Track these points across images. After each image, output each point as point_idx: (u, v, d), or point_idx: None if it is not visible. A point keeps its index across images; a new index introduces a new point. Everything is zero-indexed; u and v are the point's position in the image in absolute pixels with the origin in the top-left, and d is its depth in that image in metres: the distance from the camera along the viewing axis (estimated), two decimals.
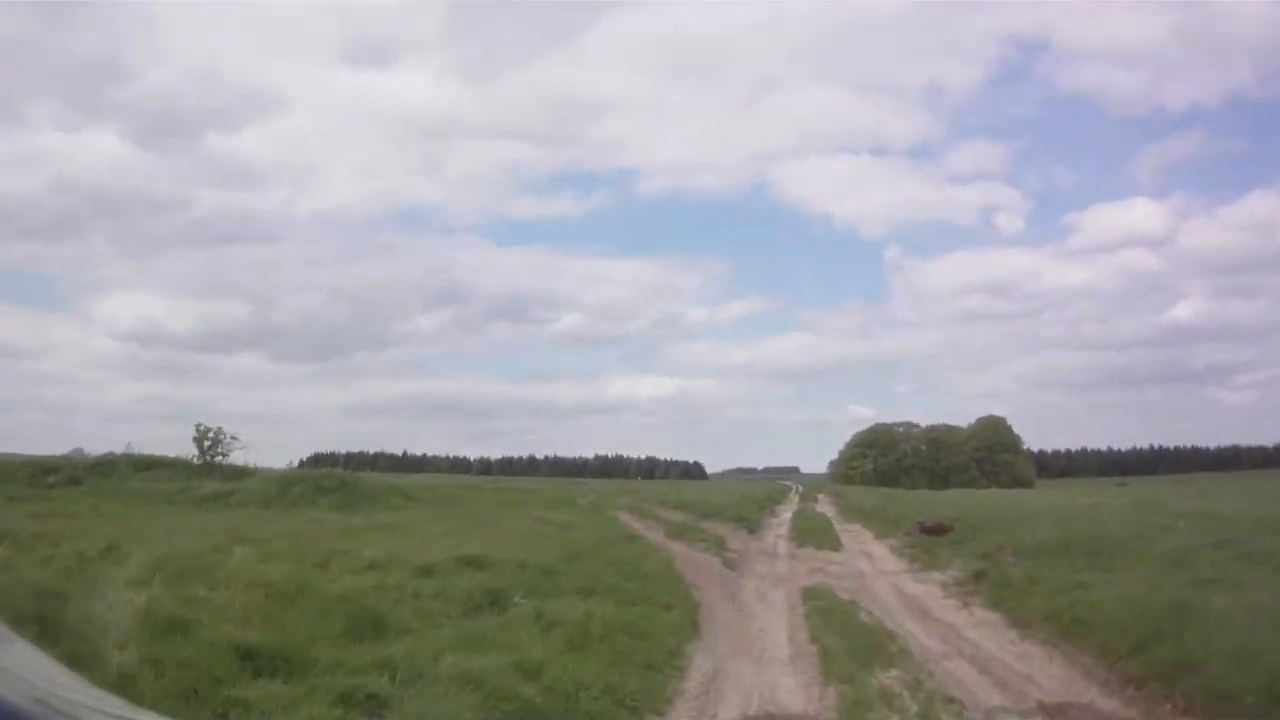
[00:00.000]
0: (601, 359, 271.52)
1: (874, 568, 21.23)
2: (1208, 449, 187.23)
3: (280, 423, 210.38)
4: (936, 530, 24.88)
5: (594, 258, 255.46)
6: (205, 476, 31.47)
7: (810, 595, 16.40)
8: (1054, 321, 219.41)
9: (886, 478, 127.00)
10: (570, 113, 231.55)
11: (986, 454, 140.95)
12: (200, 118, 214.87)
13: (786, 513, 44.73)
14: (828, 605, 15.16)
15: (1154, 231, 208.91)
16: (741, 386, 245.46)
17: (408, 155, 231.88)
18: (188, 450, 34.65)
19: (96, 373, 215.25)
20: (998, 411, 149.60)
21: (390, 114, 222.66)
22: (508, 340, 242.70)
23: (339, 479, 27.83)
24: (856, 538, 28.91)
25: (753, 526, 32.04)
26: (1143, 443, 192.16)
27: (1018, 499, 45.69)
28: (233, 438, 35.29)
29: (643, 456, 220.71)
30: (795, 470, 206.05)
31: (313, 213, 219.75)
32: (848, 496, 56.08)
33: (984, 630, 13.51)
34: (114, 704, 1.60)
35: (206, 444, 34.17)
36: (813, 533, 28.68)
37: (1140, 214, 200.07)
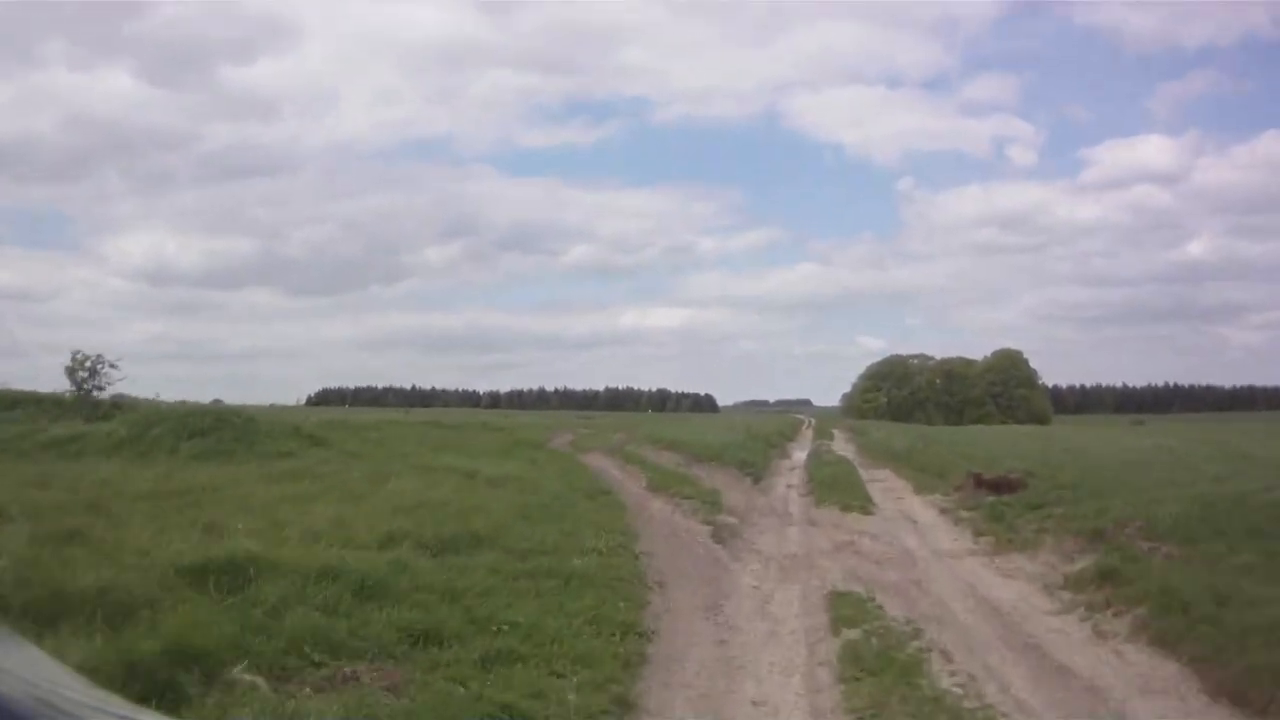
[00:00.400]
0: (613, 290, 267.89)
1: (924, 543, 14.78)
2: (1222, 388, 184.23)
3: (291, 357, 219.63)
4: (1000, 486, 18.44)
5: (606, 188, 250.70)
6: (75, 415, 25.63)
7: (839, 605, 10.12)
8: (1065, 256, 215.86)
9: (900, 411, 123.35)
10: (584, 41, 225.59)
11: (1002, 388, 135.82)
12: (214, 50, 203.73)
13: (799, 453, 38.33)
14: (871, 632, 8.88)
15: (1167, 168, 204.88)
16: (753, 318, 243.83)
17: (421, 85, 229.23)
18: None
19: (107, 312, 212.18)
20: (1008, 345, 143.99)
21: (405, 43, 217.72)
22: (519, 271, 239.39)
23: (214, 417, 21.43)
24: (890, 491, 22.41)
25: (759, 474, 25.81)
26: (1154, 379, 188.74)
27: (1069, 440, 39.15)
28: (111, 366, 28.87)
29: (654, 389, 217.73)
30: (808, 403, 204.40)
31: (325, 144, 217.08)
32: (869, 434, 49.58)
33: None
34: (116, 704, 1.53)
35: (81, 376, 27.92)
36: (834, 485, 22.25)
37: (1154, 150, 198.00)
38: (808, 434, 63.03)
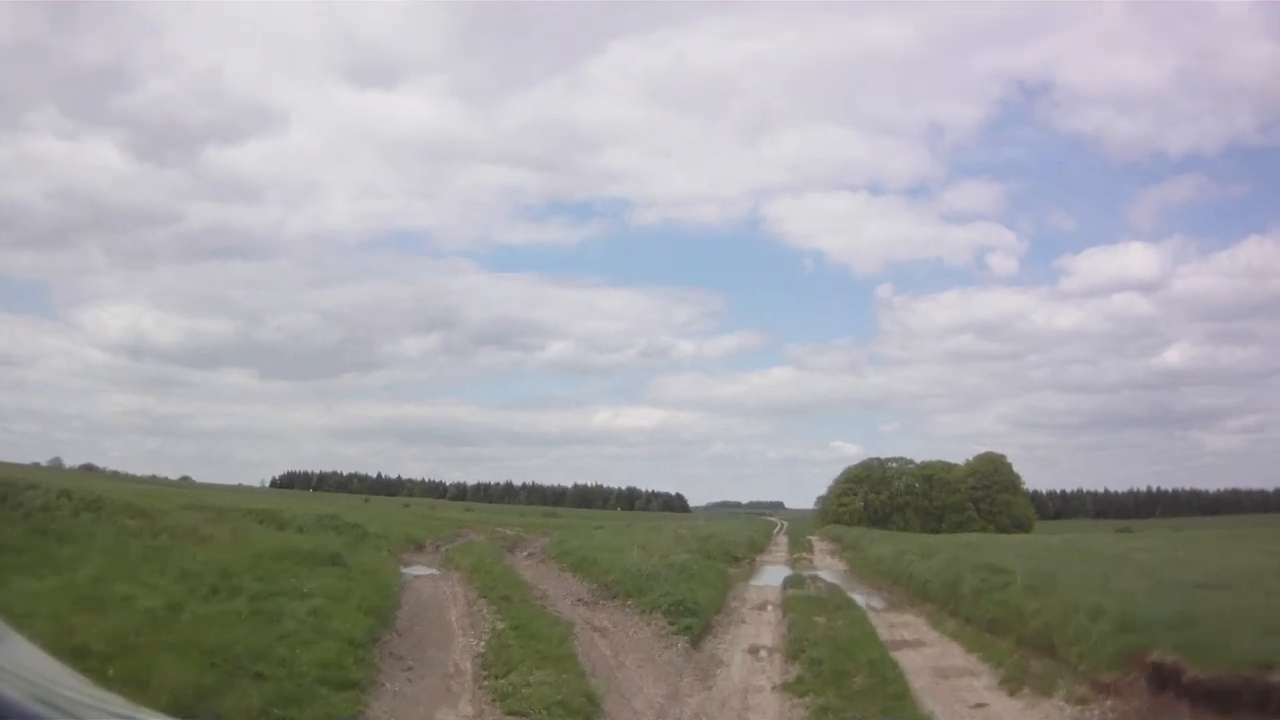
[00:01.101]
0: (588, 389, 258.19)
1: None
2: (1206, 492, 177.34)
3: (263, 439, 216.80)
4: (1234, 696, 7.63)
5: (585, 287, 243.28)
6: None
7: None
8: (1042, 363, 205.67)
9: (878, 516, 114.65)
10: (569, 141, 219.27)
11: (984, 493, 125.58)
12: (199, 130, 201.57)
13: (771, 576, 27.47)
14: None
15: (1148, 275, 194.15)
16: (727, 420, 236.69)
17: (405, 177, 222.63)
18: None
19: (84, 383, 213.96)
20: (983, 451, 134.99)
21: (389, 135, 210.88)
22: (495, 367, 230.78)
23: None
24: (944, 677, 11.42)
25: (702, 625, 14.71)
26: (1132, 485, 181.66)
27: (1145, 559, 28.43)
28: None
29: (623, 487, 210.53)
30: (780, 505, 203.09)
31: (306, 231, 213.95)
32: (861, 547, 38.38)
33: None
34: (115, 703, 1.53)
35: None
36: (837, 656, 11.40)
37: (1135, 258, 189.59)
38: (781, 541, 51.88)
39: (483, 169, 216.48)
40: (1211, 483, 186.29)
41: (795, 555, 36.29)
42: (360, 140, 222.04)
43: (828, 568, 31.68)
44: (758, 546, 38.82)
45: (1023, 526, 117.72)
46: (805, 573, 28.31)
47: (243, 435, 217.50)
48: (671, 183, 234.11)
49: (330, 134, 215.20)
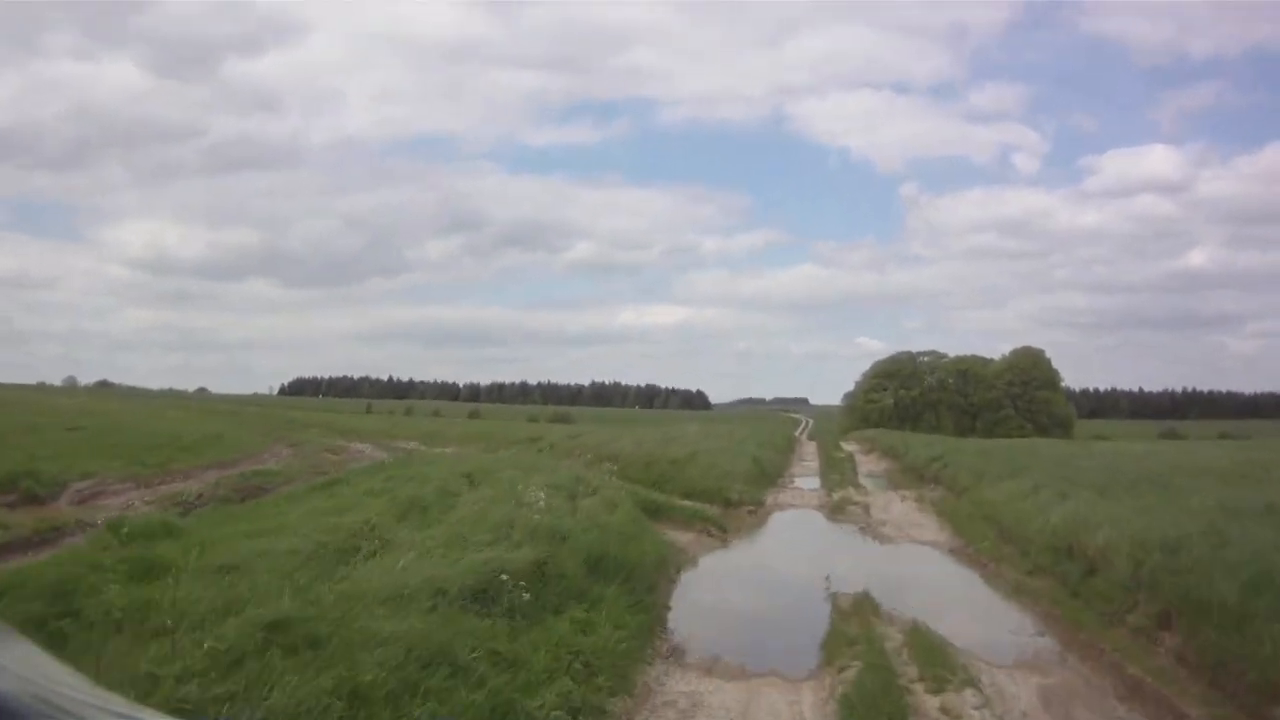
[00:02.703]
0: (612, 288, 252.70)
1: None
2: (1242, 394, 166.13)
3: (287, 349, 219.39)
4: None
5: (609, 186, 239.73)
6: None
7: None
8: (1065, 262, 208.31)
9: (908, 413, 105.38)
10: (593, 42, 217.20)
11: (1022, 390, 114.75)
12: (220, 43, 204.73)
13: (800, 532, 16.58)
14: None
15: (1171, 178, 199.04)
16: (751, 317, 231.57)
17: (427, 82, 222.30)
18: None
19: (106, 300, 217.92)
20: (1005, 349, 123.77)
21: (411, 39, 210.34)
22: (519, 267, 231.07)
23: None
24: None
25: None
26: (1150, 385, 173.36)
27: None
28: None
29: (641, 384, 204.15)
30: (804, 401, 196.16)
31: (328, 139, 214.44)
32: (953, 473, 26.50)
33: None
34: (116, 703, 1.45)
35: None
36: None
37: (1158, 160, 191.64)
38: (808, 454, 40.94)
39: (505, 71, 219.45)
40: (1231, 385, 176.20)
41: (834, 493, 25.20)
42: (381, 46, 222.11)
43: (889, 505, 20.60)
44: (768, 474, 27.89)
45: (1063, 426, 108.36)
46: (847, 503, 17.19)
47: (266, 345, 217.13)
48: (695, 82, 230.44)
49: (351, 41, 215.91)
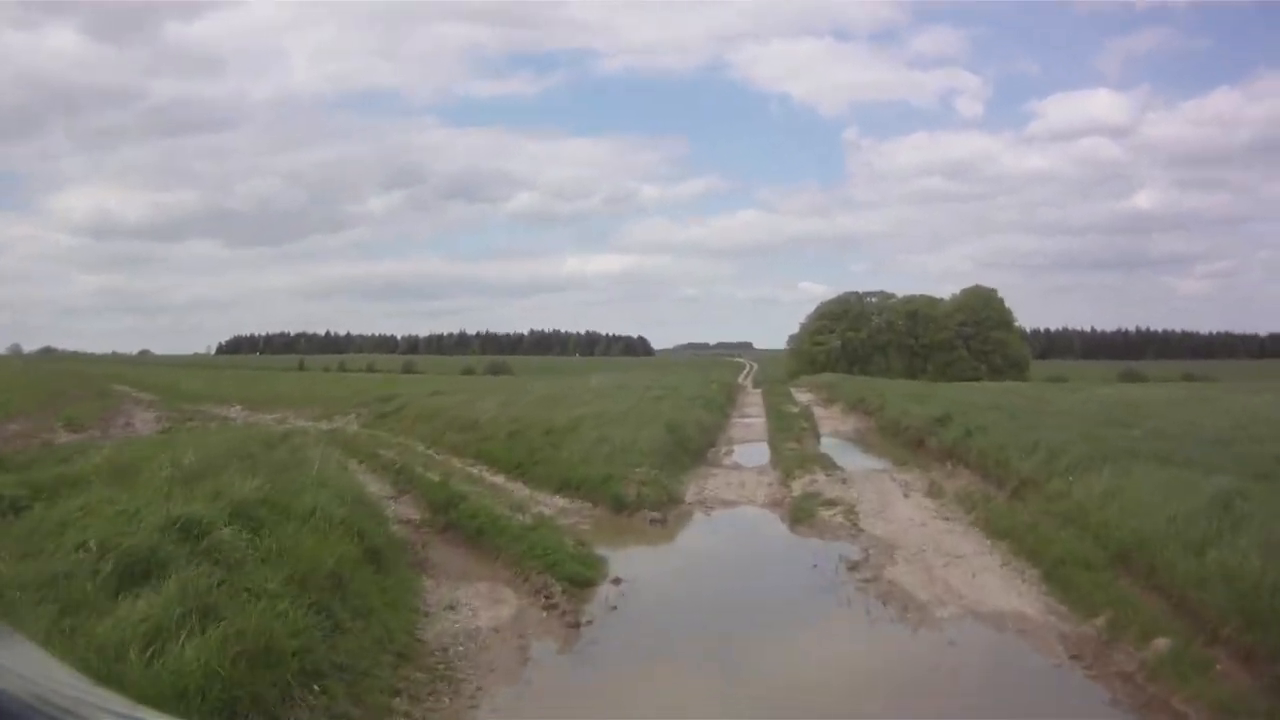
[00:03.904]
0: (556, 238, 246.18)
1: None
2: (1198, 334, 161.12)
3: (232, 307, 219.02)
4: None
5: (550, 137, 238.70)
6: None
7: None
8: (1009, 205, 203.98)
9: (857, 356, 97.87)
10: None
11: (975, 330, 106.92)
12: (158, 6, 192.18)
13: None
14: None
15: (1116, 121, 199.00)
16: (694, 263, 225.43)
17: (365, 37, 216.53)
18: None
19: (52, 267, 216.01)
20: (957, 290, 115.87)
21: None
22: (462, 220, 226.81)
23: None
24: None
25: None
26: (1098, 326, 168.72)
27: None
28: None
29: (582, 332, 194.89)
30: (748, 346, 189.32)
31: (269, 98, 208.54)
32: (983, 447, 16.35)
33: None
34: (115, 702, 1.42)
35: None
36: None
37: (1102, 104, 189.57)
38: (751, 404, 31.38)
39: (444, 24, 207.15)
40: (1182, 325, 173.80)
41: (793, 478, 15.58)
42: (319, 2, 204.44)
43: (949, 593, 10.65)
44: (692, 447, 18.33)
45: (1018, 367, 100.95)
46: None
47: (212, 305, 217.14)
48: (634, 31, 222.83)
49: None
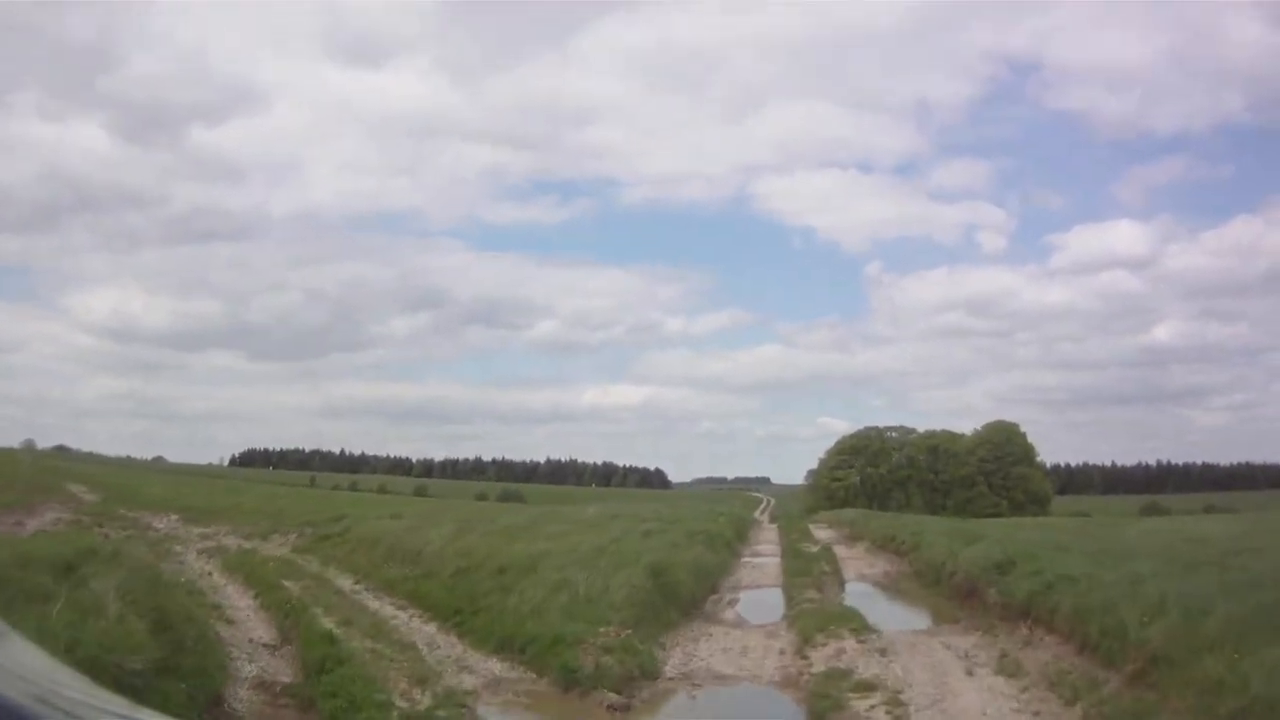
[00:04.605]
0: (576, 367, 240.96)
1: None
2: (1218, 465, 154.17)
3: (250, 421, 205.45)
4: None
5: (572, 265, 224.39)
6: None
7: None
8: (1031, 340, 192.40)
9: (876, 492, 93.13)
10: (555, 118, 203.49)
11: (996, 465, 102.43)
12: (184, 110, 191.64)
13: None
14: None
15: (1137, 253, 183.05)
16: (714, 397, 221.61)
17: (390, 156, 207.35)
18: None
19: (69, 367, 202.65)
20: (966, 429, 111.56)
21: (374, 113, 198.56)
22: (482, 345, 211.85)
23: None
24: None
25: None
26: (1119, 460, 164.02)
27: None
28: None
29: (599, 462, 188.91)
30: (766, 481, 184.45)
31: (292, 211, 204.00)
32: (1074, 603, 11.38)
33: None
34: (115, 703, 1.42)
35: None
36: None
37: (1124, 236, 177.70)
38: (764, 539, 27.09)
39: (468, 146, 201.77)
40: (1200, 457, 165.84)
41: (813, 640, 11.36)
42: (345, 118, 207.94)
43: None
44: (683, 595, 14.13)
45: (1040, 502, 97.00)
46: None
47: (228, 417, 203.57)
48: (658, 160, 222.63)
49: (314, 112, 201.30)
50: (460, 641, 11.52)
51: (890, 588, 18.12)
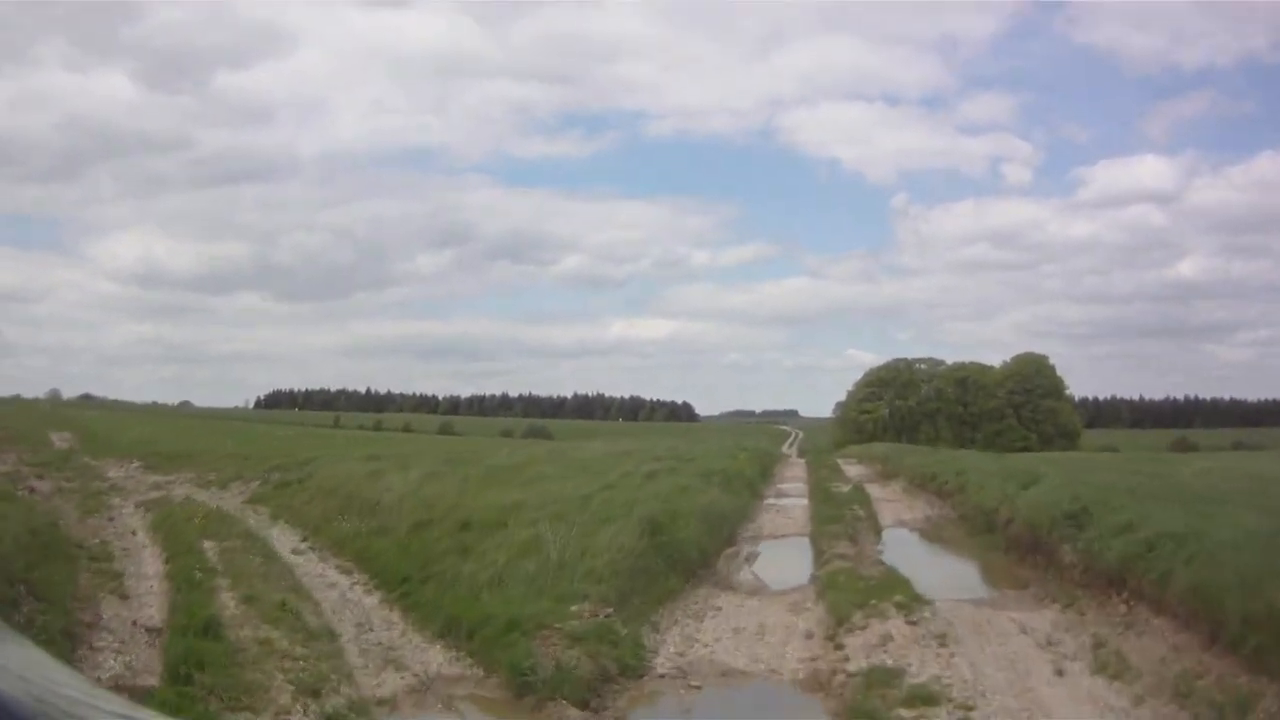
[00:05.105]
0: (603, 301, 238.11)
1: None
2: (1245, 401, 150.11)
3: (277, 362, 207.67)
4: None
5: (599, 199, 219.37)
6: None
7: None
8: (1055, 273, 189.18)
9: (905, 424, 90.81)
10: (582, 54, 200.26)
11: (1025, 398, 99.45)
12: (209, 55, 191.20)
13: None
14: None
15: (1162, 188, 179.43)
16: (741, 330, 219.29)
17: (416, 95, 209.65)
18: None
19: (96, 314, 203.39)
20: (994, 361, 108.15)
21: (400, 52, 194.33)
22: (509, 281, 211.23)
23: None
24: None
25: None
26: (1156, 394, 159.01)
27: None
28: None
29: (626, 396, 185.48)
30: (794, 414, 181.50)
31: (318, 151, 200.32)
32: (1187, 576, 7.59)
33: None
34: (114, 703, 1.34)
35: None
36: None
37: (1149, 170, 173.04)
38: (791, 476, 24.50)
39: (494, 83, 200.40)
40: (1227, 392, 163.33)
41: (851, 616, 8.63)
42: (370, 58, 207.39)
43: None
44: (688, 555, 11.43)
45: (1069, 436, 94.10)
46: None
47: (256, 359, 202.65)
48: (685, 94, 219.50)
49: (340, 53, 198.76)
50: (403, 620, 9.01)
51: (934, 536, 15.43)
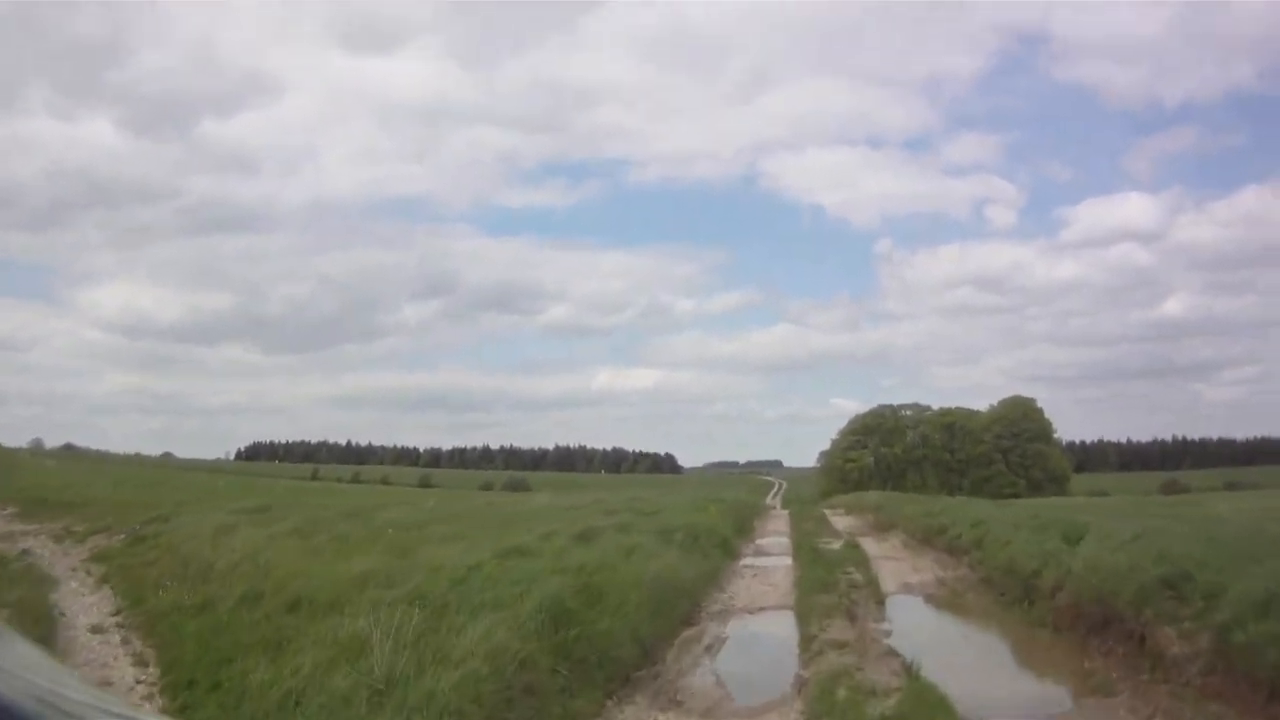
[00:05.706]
0: (589, 350, 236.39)
1: None
2: (1234, 440, 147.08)
3: (262, 414, 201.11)
4: None
5: (584, 248, 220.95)
6: None
7: None
8: (1041, 315, 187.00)
9: (891, 472, 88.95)
10: (565, 101, 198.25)
11: (1013, 443, 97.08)
12: (195, 102, 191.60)
13: None
14: None
15: (1146, 226, 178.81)
16: (725, 378, 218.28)
17: (401, 142, 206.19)
18: None
19: (82, 363, 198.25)
20: (977, 406, 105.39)
21: (385, 100, 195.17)
22: (496, 331, 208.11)
23: None
24: None
25: None
26: (1143, 436, 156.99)
27: None
28: None
29: (608, 448, 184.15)
30: (778, 464, 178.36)
31: (303, 200, 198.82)
32: None
33: None
34: (115, 704, 1.38)
35: None
36: None
37: (1133, 208, 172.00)
38: (772, 530, 20.90)
39: (478, 131, 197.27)
40: (1213, 432, 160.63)
41: (835, 654, 4.99)
42: (356, 105, 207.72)
43: None
44: (607, 661, 7.84)
45: (1058, 481, 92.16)
46: None
47: (242, 410, 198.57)
48: (668, 140, 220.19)
49: (326, 100, 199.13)
50: None
51: (953, 607, 11.86)
